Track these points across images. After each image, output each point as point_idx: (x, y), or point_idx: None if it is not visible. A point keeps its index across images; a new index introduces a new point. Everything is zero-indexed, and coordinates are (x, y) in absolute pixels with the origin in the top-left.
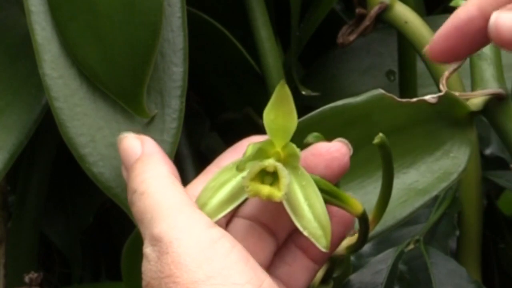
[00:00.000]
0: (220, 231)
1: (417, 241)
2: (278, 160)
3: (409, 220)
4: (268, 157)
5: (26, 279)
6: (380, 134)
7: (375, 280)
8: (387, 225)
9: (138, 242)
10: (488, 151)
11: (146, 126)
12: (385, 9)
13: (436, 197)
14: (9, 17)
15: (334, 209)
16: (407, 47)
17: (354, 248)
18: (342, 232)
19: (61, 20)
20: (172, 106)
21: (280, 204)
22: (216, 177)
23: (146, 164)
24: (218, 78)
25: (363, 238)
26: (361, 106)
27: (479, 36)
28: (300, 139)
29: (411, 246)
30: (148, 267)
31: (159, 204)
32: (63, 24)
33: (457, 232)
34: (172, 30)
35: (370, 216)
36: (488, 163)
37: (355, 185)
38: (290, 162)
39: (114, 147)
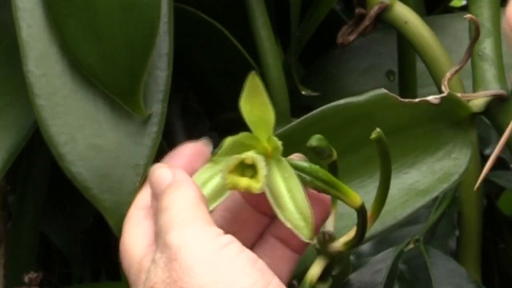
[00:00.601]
0: (228, 237)
1: (417, 240)
2: (265, 153)
3: (409, 220)
4: (248, 150)
5: (26, 279)
6: (377, 129)
7: (374, 279)
8: (387, 225)
9: None
10: (488, 151)
11: (127, 129)
12: (385, 9)
13: (436, 197)
14: (9, 17)
15: (311, 192)
16: (407, 47)
17: (353, 244)
18: (321, 214)
19: (58, 18)
20: (154, 110)
21: None
22: (198, 176)
23: (175, 187)
24: (218, 78)
25: (361, 232)
26: (363, 105)
27: None
28: (301, 138)
29: (411, 246)
30: (154, 272)
31: (176, 217)
32: (60, 22)
33: (457, 232)
34: (158, 35)
35: (369, 213)
36: None
37: (355, 184)
38: (273, 155)
39: (95, 147)
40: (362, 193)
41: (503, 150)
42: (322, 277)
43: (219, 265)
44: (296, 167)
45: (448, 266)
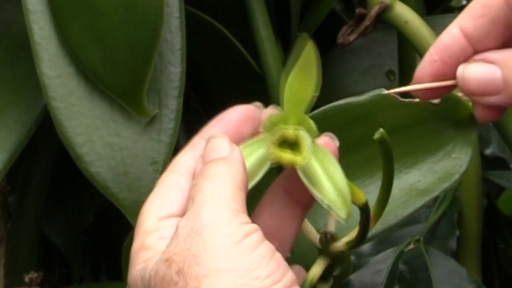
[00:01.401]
0: (253, 227)
1: (417, 241)
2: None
3: (409, 220)
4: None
5: (26, 279)
6: (381, 130)
7: (375, 280)
8: (388, 225)
9: None
10: (488, 151)
11: (143, 126)
12: (385, 9)
13: (436, 197)
14: (9, 17)
15: None
16: (407, 47)
17: (355, 243)
18: None
19: (62, 20)
20: (170, 106)
21: None
22: (244, 148)
23: (227, 163)
24: (218, 78)
25: (364, 231)
26: (364, 105)
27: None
28: None
29: (411, 246)
30: (175, 242)
31: (216, 192)
32: (64, 24)
33: (457, 232)
34: (170, 31)
35: (371, 213)
36: (488, 163)
37: (357, 184)
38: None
39: (112, 146)
40: (364, 193)
41: (503, 150)
42: (323, 277)
43: (240, 252)
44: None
45: (448, 266)
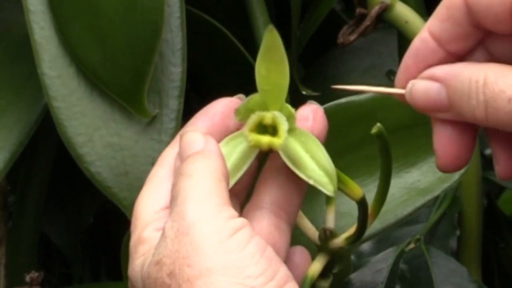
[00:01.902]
0: (241, 222)
1: (418, 240)
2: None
3: (410, 220)
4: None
5: (27, 278)
6: (378, 124)
7: (375, 279)
8: (388, 224)
9: None
10: (488, 151)
11: (144, 126)
12: (386, 9)
13: (436, 197)
14: (9, 17)
15: None
16: (407, 47)
17: (354, 239)
18: None
19: (62, 20)
20: (170, 106)
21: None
22: (222, 146)
23: (204, 156)
24: (218, 78)
25: (362, 226)
26: (365, 104)
27: (434, 58)
28: None
29: (412, 246)
30: (163, 244)
31: (197, 188)
32: (65, 24)
33: (458, 232)
34: (171, 30)
35: (370, 209)
36: (488, 163)
37: (356, 183)
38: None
39: (112, 146)
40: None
41: None
42: (323, 274)
43: (229, 250)
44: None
45: (449, 265)
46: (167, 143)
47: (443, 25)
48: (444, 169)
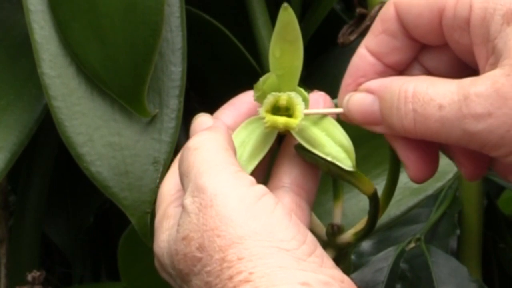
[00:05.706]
0: (263, 188)
1: (418, 239)
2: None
3: (410, 219)
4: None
5: (29, 277)
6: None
7: (376, 278)
8: (381, 223)
9: (133, 238)
10: None
11: (144, 126)
12: None
13: (436, 197)
14: (10, 17)
15: None
16: None
17: (363, 233)
18: None
19: (62, 20)
20: (171, 105)
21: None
22: (238, 132)
23: (210, 131)
24: (218, 77)
25: (373, 221)
26: None
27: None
28: None
29: (412, 245)
30: (188, 220)
31: (209, 160)
32: (65, 24)
33: (458, 231)
34: (171, 30)
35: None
36: None
37: None
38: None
39: (112, 146)
40: (360, 192)
41: None
42: None
43: (258, 216)
44: (310, 151)
45: (449, 265)
46: (167, 143)
47: (379, 38)
48: (417, 180)
